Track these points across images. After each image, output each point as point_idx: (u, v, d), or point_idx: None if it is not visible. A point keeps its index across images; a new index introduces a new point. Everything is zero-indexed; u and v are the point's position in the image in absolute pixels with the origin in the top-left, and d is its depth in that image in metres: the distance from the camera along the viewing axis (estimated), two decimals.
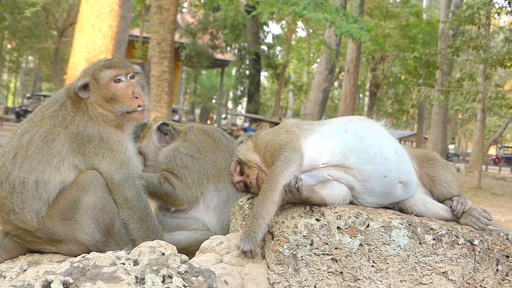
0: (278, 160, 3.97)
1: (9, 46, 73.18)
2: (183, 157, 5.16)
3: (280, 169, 3.91)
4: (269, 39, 57.76)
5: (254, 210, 3.89)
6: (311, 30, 59.05)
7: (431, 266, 3.97)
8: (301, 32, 75.02)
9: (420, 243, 3.95)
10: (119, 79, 4.55)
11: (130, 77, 4.61)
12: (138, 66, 4.72)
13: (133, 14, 32.10)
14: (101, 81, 4.53)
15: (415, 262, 3.94)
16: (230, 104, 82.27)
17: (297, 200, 3.87)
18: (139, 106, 4.57)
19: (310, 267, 3.78)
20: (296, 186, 3.72)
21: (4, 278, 3.95)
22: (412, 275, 3.93)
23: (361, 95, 73.80)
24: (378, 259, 3.87)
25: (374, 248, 3.86)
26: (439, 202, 4.36)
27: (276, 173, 3.90)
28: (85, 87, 4.53)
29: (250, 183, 4.37)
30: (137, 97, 4.56)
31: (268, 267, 3.80)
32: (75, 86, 4.51)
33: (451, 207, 4.26)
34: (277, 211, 3.91)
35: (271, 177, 3.93)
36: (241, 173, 4.48)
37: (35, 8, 26.72)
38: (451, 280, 4.00)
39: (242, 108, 73.34)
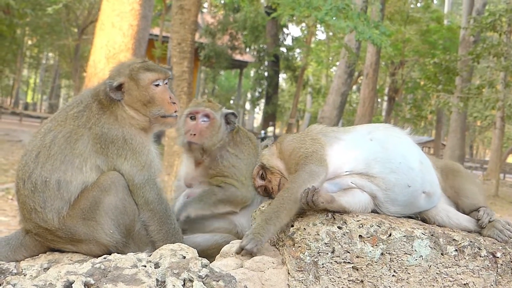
0: (303, 172, 3.94)
1: (29, 42, 73.73)
2: (229, 157, 5.18)
3: (303, 181, 3.90)
4: (288, 41, 57.70)
5: (268, 213, 3.89)
6: (331, 33, 59.00)
7: (453, 278, 3.94)
8: (321, 35, 75.04)
9: (442, 254, 3.93)
10: (157, 83, 4.58)
11: (165, 82, 4.64)
12: (170, 72, 4.75)
13: (153, 13, 32.17)
14: (142, 82, 4.56)
15: (437, 273, 3.91)
16: (247, 105, 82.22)
17: (315, 210, 3.85)
18: (175, 111, 4.61)
19: (330, 275, 3.76)
20: (312, 199, 3.70)
21: (25, 276, 3.97)
22: (433, 286, 3.91)
23: (379, 100, 73.47)
24: (399, 269, 3.85)
25: (395, 258, 3.84)
26: (464, 213, 4.32)
27: (298, 185, 3.89)
28: (119, 88, 4.55)
29: (272, 188, 4.36)
30: (174, 103, 4.60)
31: (289, 273, 3.79)
32: (109, 85, 4.51)
33: (477, 217, 4.22)
34: (292, 220, 3.91)
35: (292, 186, 3.91)
36: (263, 177, 4.47)
37: (57, 6, 26.86)
38: None
39: (259, 109, 73.35)
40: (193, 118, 5.26)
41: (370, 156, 4.09)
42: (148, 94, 4.55)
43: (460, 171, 4.44)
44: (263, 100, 54.84)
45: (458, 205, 4.38)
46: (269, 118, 49.53)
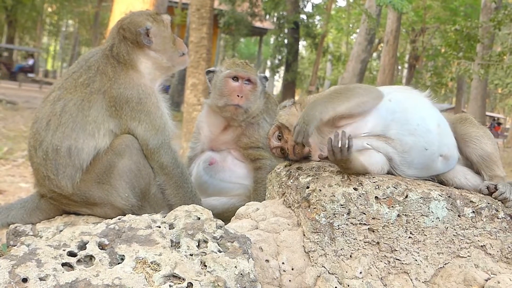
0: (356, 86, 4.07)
1: (49, 9, 73.83)
2: (265, 126, 5.18)
3: (360, 88, 4.01)
4: (308, 8, 57.34)
5: (314, 103, 3.92)
6: (351, 0, 58.51)
7: (470, 239, 3.91)
8: (341, 2, 74.44)
9: (459, 216, 3.88)
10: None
11: None
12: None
13: None
14: (166, 21, 4.77)
15: (453, 235, 3.88)
16: (267, 73, 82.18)
17: (336, 161, 3.74)
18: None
19: (346, 237, 3.74)
20: (348, 144, 3.60)
21: (41, 237, 3.99)
22: (450, 247, 3.88)
23: (399, 67, 72.98)
24: (415, 231, 3.82)
25: (412, 219, 3.81)
26: (473, 163, 4.25)
27: (356, 86, 4.00)
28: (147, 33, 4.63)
29: (288, 148, 4.32)
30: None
31: (304, 235, 3.77)
32: (143, 31, 4.58)
33: (494, 189, 4.11)
34: (308, 181, 3.87)
35: (348, 86, 4.01)
36: (280, 138, 4.42)
37: None
38: (490, 254, 3.94)
39: (279, 77, 73.12)
40: (235, 79, 5.19)
41: (388, 117, 4.00)
42: (170, 33, 4.78)
43: (469, 119, 4.35)
44: (283, 68, 54.52)
45: (466, 153, 4.29)
46: (289, 85, 49.26)
